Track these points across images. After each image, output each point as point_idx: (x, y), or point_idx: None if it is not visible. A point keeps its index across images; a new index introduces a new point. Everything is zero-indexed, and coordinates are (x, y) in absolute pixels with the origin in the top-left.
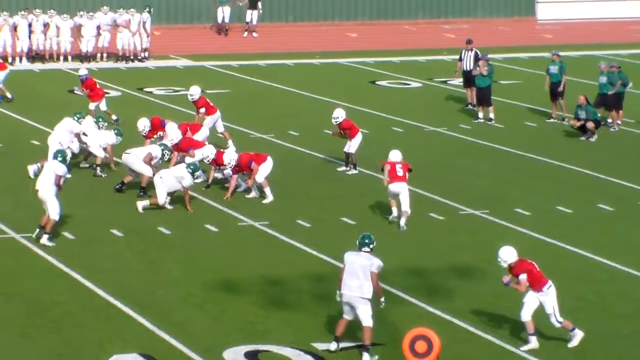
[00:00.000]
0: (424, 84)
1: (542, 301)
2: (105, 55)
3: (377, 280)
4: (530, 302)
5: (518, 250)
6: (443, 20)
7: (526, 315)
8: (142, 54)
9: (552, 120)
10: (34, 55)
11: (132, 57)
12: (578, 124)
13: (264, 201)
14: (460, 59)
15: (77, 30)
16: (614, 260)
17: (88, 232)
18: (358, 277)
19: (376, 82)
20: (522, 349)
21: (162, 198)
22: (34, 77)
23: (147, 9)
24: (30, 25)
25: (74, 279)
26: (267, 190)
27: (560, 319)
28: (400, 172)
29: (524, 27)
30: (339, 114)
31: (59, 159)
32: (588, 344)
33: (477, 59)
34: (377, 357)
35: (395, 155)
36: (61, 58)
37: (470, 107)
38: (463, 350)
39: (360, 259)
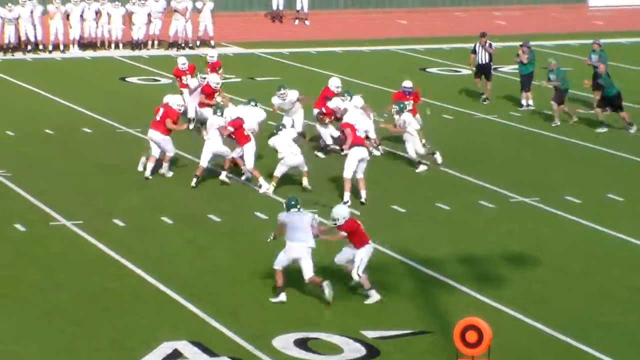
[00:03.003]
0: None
1: (354, 254)
2: (156, 42)
3: (319, 229)
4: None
5: (569, 238)
6: (494, 7)
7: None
8: (210, 42)
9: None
10: (86, 43)
11: (183, 45)
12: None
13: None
14: (474, 52)
15: (128, 18)
16: None
17: (138, 219)
18: (303, 230)
19: (426, 69)
20: (366, 302)
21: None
22: (86, 64)
23: None
24: (82, 13)
25: (124, 266)
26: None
27: (361, 274)
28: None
29: (575, 13)
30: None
31: None
32: None
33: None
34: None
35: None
36: (112, 46)
37: (482, 102)
38: (512, 337)
39: (299, 216)
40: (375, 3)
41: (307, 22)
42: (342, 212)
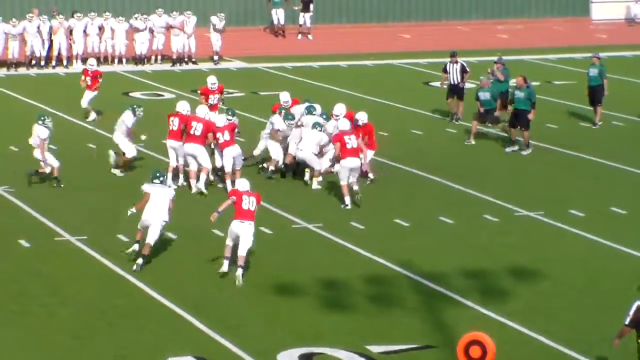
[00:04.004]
0: (477, 85)
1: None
2: (159, 57)
3: (172, 205)
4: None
5: (573, 251)
6: (496, 20)
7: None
8: (216, 57)
9: (598, 126)
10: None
11: (186, 60)
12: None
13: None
14: (445, 71)
15: (131, 33)
16: None
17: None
18: (161, 204)
19: (429, 83)
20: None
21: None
22: None
23: (220, 14)
24: (85, 28)
25: (129, 281)
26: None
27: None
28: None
29: (579, 27)
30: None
31: None
32: None
33: (463, 71)
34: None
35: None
36: (116, 60)
37: (454, 121)
38: (518, 352)
39: (160, 189)
40: (377, 18)
41: (310, 37)
42: (239, 182)
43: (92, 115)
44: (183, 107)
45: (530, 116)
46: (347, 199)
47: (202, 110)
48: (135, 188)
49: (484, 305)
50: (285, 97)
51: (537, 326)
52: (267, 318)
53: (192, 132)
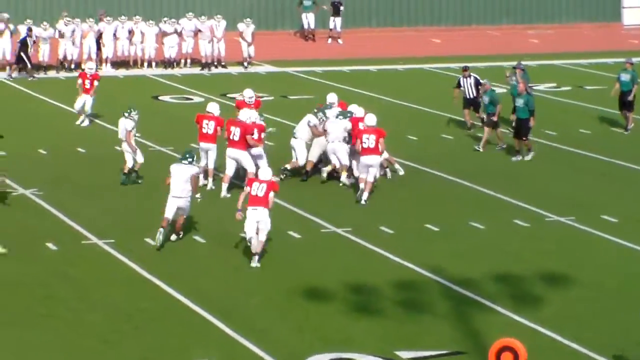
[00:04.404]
0: (508, 89)
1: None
2: (189, 61)
3: (195, 182)
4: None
5: (605, 257)
6: (527, 25)
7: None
8: (245, 63)
9: (630, 131)
10: (119, 62)
11: (215, 64)
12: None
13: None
14: (459, 86)
15: (161, 37)
16: None
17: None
18: (182, 181)
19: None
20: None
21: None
22: (118, 83)
23: (246, 20)
24: (115, 31)
25: (157, 286)
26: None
27: (263, 238)
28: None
29: (610, 32)
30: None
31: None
32: None
33: (477, 84)
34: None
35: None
36: (145, 64)
37: (472, 130)
38: (549, 358)
39: (182, 168)
40: (407, 22)
41: (340, 41)
42: (261, 172)
43: (84, 120)
44: (214, 108)
45: (531, 124)
46: (360, 193)
47: (245, 114)
48: (163, 190)
49: (516, 311)
50: (332, 98)
51: (569, 333)
52: (295, 322)
53: (231, 137)
